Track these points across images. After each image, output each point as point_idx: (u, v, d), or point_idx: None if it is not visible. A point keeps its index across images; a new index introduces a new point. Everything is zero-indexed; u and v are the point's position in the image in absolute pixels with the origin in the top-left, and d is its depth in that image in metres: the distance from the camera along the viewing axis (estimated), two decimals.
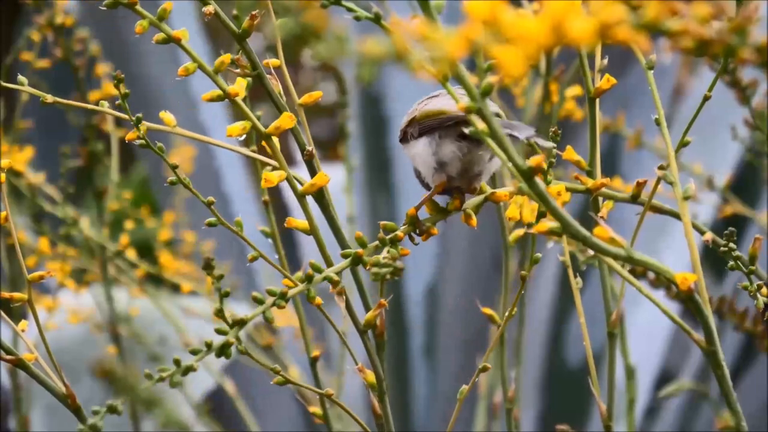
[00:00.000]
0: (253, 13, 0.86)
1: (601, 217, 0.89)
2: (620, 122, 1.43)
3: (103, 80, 1.45)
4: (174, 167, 0.89)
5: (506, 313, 0.95)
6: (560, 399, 2.00)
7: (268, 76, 0.88)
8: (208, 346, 0.79)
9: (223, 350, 0.79)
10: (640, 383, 1.78)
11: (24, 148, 1.44)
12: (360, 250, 0.85)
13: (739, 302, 1.26)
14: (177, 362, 0.78)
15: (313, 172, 0.89)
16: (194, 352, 0.79)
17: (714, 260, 1.99)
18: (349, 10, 0.80)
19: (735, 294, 1.63)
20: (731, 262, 0.91)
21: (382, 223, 0.87)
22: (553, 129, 0.88)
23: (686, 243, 0.83)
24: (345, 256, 0.85)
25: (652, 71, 0.89)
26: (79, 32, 1.44)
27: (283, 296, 0.81)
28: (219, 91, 0.85)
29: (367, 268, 0.85)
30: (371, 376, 0.91)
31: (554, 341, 2.00)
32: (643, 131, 1.43)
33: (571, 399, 1.98)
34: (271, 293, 0.81)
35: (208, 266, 0.85)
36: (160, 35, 0.86)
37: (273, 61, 0.88)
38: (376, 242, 0.86)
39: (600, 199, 0.92)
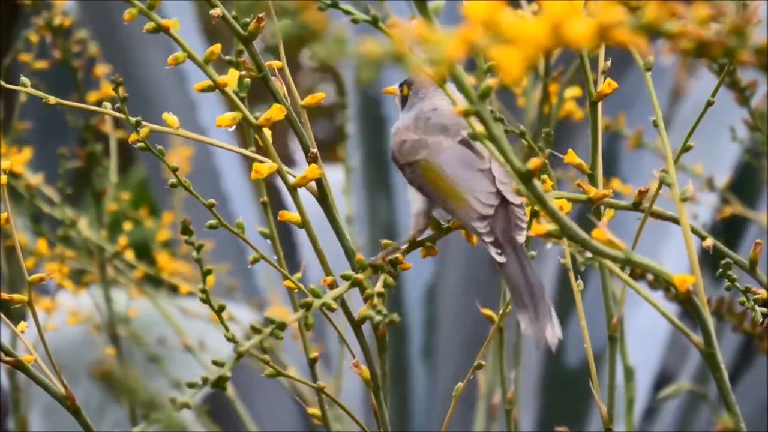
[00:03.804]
0: (260, 15, 0.86)
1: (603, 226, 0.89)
2: (620, 122, 1.43)
3: (101, 81, 1.45)
4: (174, 169, 0.89)
5: (501, 311, 0.95)
6: (559, 400, 2.00)
7: (272, 78, 0.88)
8: (204, 380, 0.80)
9: (218, 383, 0.80)
10: (639, 384, 1.78)
11: (23, 149, 1.44)
12: (360, 275, 0.86)
13: (737, 303, 1.26)
14: (173, 400, 0.79)
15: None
16: (191, 386, 0.80)
17: (713, 262, 1.99)
18: (347, 12, 0.80)
19: (733, 295, 1.62)
20: (727, 283, 0.91)
21: (384, 242, 0.88)
22: (546, 131, 0.88)
23: (684, 245, 0.83)
24: (345, 278, 0.86)
25: (650, 73, 0.89)
26: (78, 33, 1.43)
27: (281, 326, 0.82)
28: (210, 82, 0.85)
29: (364, 296, 0.86)
30: (366, 372, 0.91)
31: None
32: (644, 132, 1.43)
33: (570, 400, 1.98)
34: (270, 321, 0.81)
35: (186, 230, 0.85)
36: (150, 24, 0.85)
37: (275, 63, 0.88)
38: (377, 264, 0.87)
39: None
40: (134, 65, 2.07)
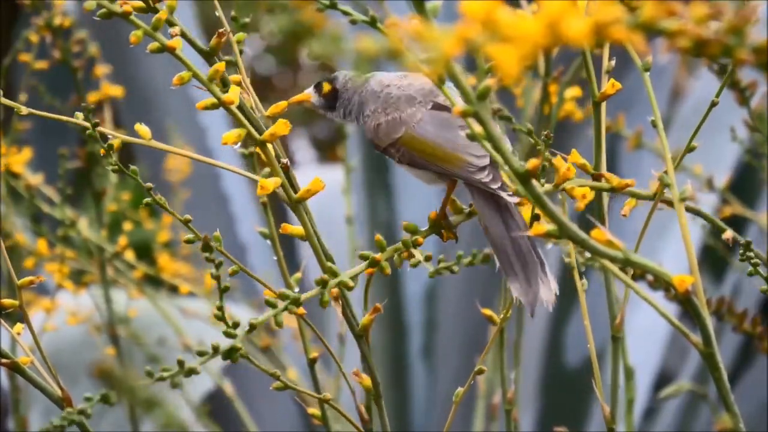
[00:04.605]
0: (221, 30, 0.86)
1: (622, 216, 0.90)
2: (620, 123, 1.43)
3: (101, 81, 1.45)
4: (149, 189, 0.89)
5: (503, 314, 0.95)
6: (559, 400, 2.00)
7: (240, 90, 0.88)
8: (215, 349, 0.78)
9: (230, 354, 0.78)
10: (639, 384, 1.78)
11: (22, 149, 1.44)
12: (378, 255, 0.84)
13: (738, 303, 1.26)
14: (180, 363, 0.78)
15: (289, 182, 0.89)
16: (200, 354, 0.78)
17: (713, 261, 1.99)
18: (345, 13, 0.80)
19: (734, 295, 1.62)
20: (750, 269, 0.91)
21: (405, 223, 0.86)
22: (545, 132, 0.88)
23: (684, 245, 0.83)
24: (363, 258, 0.84)
25: (648, 72, 0.89)
26: (78, 33, 1.43)
27: (296, 302, 0.80)
28: (214, 99, 0.85)
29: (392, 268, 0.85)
30: (367, 381, 0.91)
31: (553, 343, 2.00)
32: (643, 132, 1.43)
33: (570, 400, 1.98)
34: (283, 297, 0.80)
35: (207, 247, 0.84)
36: (154, 44, 0.86)
37: (234, 78, 0.87)
38: (395, 246, 0.86)
39: (605, 202, 0.92)
40: (134, 65, 2.07)
